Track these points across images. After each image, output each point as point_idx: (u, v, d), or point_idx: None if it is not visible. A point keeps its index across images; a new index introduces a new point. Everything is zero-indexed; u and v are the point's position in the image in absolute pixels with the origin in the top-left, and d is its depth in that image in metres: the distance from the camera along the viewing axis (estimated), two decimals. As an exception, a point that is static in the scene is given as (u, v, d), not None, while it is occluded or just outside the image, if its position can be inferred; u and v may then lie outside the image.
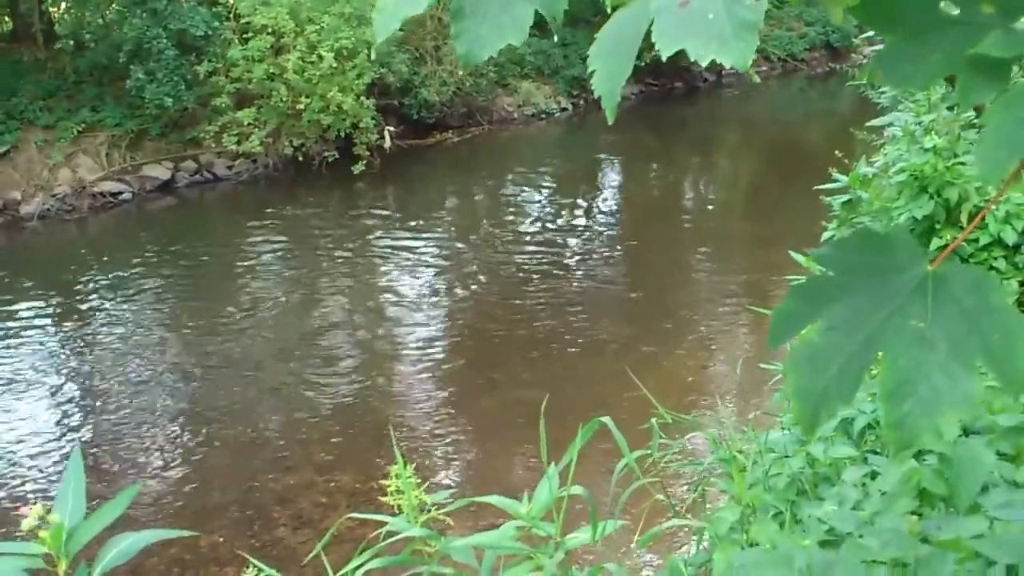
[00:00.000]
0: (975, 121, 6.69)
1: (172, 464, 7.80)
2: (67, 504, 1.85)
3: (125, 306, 11.47)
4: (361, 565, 2.27)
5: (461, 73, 20.08)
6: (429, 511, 2.35)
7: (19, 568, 1.74)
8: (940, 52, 1.04)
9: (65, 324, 10.99)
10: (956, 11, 1.05)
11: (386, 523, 2.28)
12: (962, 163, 5.49)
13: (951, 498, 2.29)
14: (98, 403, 8.87)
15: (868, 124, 7.30)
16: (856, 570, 1.91)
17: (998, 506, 2.11)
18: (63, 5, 18.98)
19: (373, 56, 16.28)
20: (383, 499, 2.46)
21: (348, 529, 5.43)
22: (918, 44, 1.05)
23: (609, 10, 1.00)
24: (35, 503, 1.85)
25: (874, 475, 2.74)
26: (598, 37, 0.96)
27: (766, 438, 3.16)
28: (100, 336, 10.51)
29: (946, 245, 5.10)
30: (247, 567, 2.53)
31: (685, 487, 4.55)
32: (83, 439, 8.19)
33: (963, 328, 1.00)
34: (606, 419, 2.47)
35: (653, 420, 3.08)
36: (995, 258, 5.10)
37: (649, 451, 3.02)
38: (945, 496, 2.32)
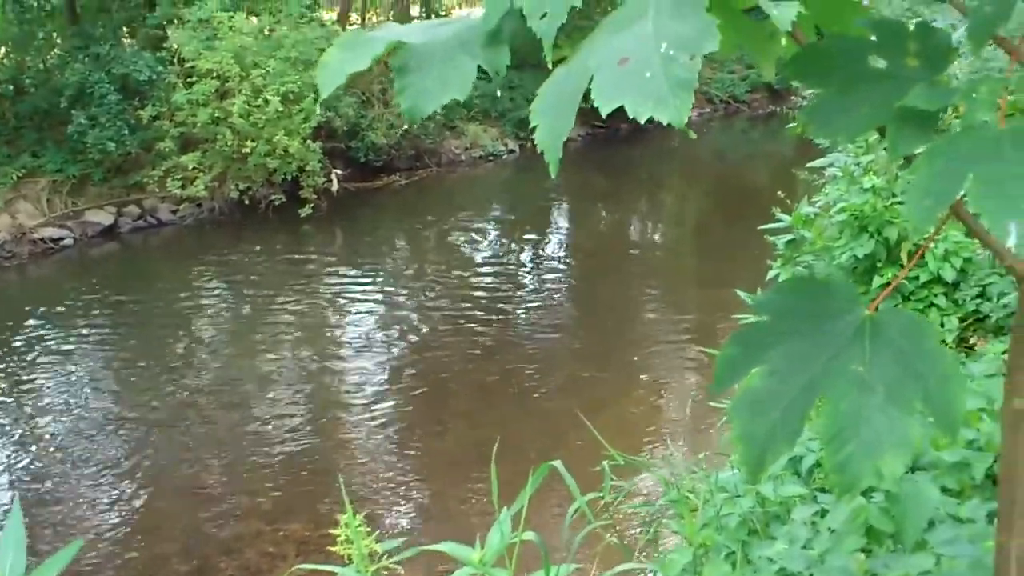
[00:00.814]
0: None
1: (115, 516, 7.63)
2: (7, 560, 1.81)
3: (65, 355, 11.25)
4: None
5: (408, 116, 20.12)
6: (380, 559, 2.33)
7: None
8: (869, 104, 1.07)
9: (2, 373, 10.74)
10: (883, 65, 1.08)
11: (336, 574, 2.25)
12: (900, 203, 5.62)
13: (898, 535, 2.32)
14: (38, 455, 8.67)
15: (809, 165, 7.45)
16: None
17: (944, 542, 2.15)
18: (2, 50, 18.76)
19: (318, 110, 16.33)
20: (333, 548, 2.43)
21: (298, 578, 5.35)
22: (848, 97, 1.09)
23: (550, 66, 1.02)
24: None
25: (823, 513, 2.76)
26: (539, 92, 0.98)
27: (717, 477, 3.18)
28: (40, 386, 10.29)
29: (888, 283, 5.20)
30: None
31: (638, 529, 4.56)
32: (23, 492, 7.99)
33: (901, 371, 1.02)
34: (557, 463, 2.47)
35: (604, 463, 3.09)
36: (935, 295, 5.21)
37: (601, 494, 3.03)
38: (892, 533, 2.35)
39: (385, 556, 2.35)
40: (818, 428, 1.03)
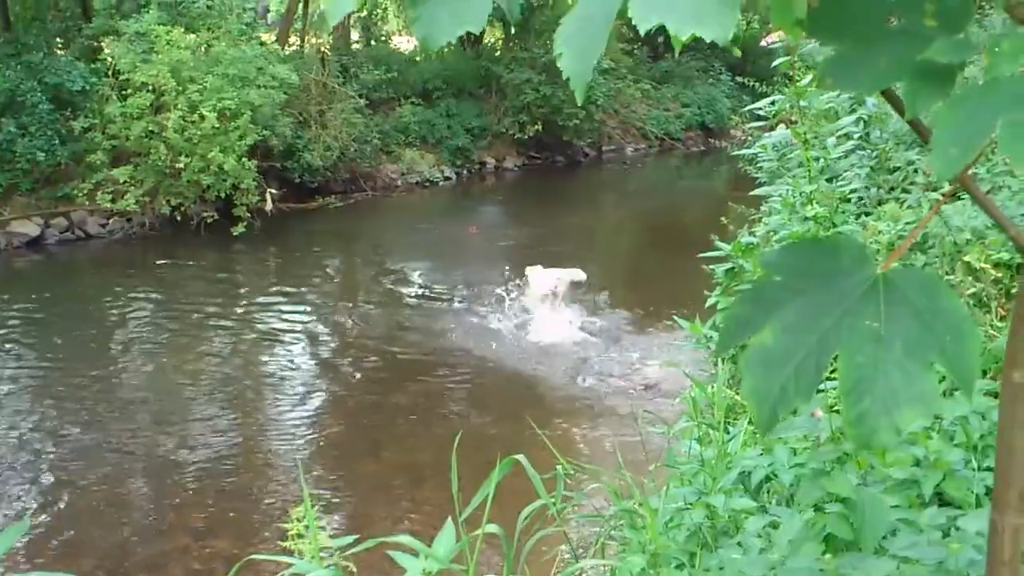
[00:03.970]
0: (850, 195, 7.01)
1: (32, 534, 7.32)
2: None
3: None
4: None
5: (345, 139, 20.05)
6: (332, 555, 2.24)
7: None
8: (887, 59, 1.06)
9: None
10: (901, 23, 1.07)
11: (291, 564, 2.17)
12: (840, 233, 5.70)
13: (856, 543, 2.31)
14: (-49, 467, 8.32)
15: (752, 193, 7.53)
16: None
17: (904, 547, 2.14)
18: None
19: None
20: (284, 543, 2.35)
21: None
22: (866, 51, 1.07)
23: (569, 2, 0.99)
24: None
25: (775, 525, 2.75)
26: (563, 21, 0.95)
27: (667, 490, 3.15)
28: (-44, 397, 9.91)
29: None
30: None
31: (580, 549, 4.51)
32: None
33: (916, 328, 1.01)
34: (520, 457, 2.42)
35: (559, 467, 3.05)
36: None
37: (554, 498, 2.98)
38: (850, 541, 2.34)
39: (338, 551, 2.27)
40: (837, 383, 1.00)
